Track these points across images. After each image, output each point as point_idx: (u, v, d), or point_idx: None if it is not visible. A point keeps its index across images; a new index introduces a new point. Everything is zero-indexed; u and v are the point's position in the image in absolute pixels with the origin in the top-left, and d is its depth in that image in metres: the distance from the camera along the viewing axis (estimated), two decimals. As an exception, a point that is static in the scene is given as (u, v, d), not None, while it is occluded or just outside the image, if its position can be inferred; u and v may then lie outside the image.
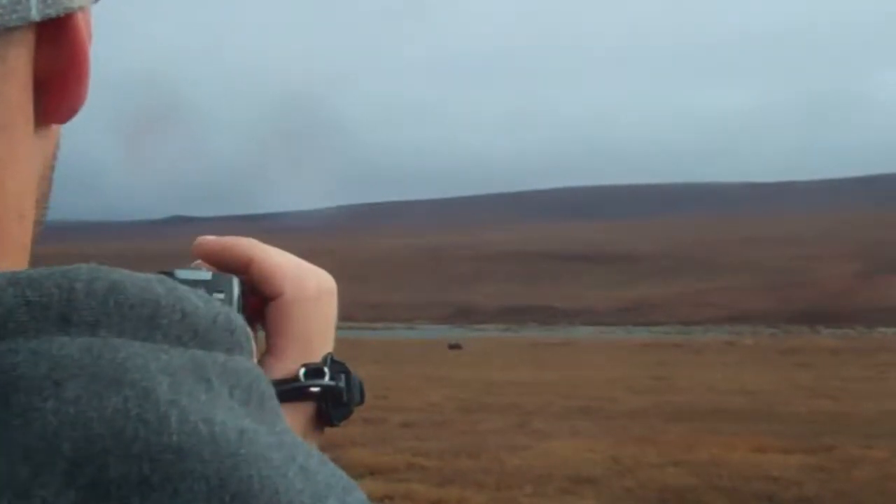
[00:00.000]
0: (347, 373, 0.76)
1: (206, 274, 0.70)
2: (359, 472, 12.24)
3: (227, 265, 0.74)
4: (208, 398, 0.47)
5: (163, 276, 0.52)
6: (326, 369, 0.74)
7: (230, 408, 0.48)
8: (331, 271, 0.78)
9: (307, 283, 0.74)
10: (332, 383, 0.74)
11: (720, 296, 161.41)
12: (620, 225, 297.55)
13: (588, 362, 38.86)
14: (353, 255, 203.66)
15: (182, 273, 0.69)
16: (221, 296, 0.69)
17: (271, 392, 0.52)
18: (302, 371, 0.73)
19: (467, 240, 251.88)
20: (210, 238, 0.75)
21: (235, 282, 0.72)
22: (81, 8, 0.54)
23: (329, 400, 0.74)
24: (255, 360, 0.54)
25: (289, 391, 0.72)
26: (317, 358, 0.74)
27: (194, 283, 0.67)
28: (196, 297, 0.51)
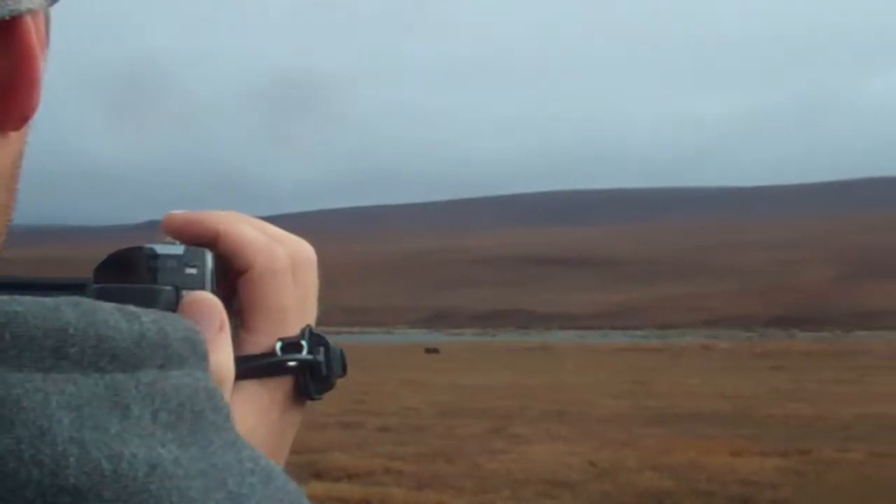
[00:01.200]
0: (327, 345, 0.74)
1: (178, 248, 0.68)
2: (336, 476, 12.22)
3: (194, 240, 0.71)
4: (122, 428, 0.45)
5: (79, 299, 0.48)
6: (304, 342, 0.73)
7: (151, 434, 0.46)
8: None
9: (278, 254, 0.72)
10: (310, 357, 0.72)
11: (698, 300, 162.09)
12: (602, 229, 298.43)
13: (566, 367, 38.91)
14: (333, 259, 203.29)
15: (155, 247, 0.67)
16: (194, 270, 0.67)
17: (213, 405, 0.50)
18: (278, 345, 0.71)
19: (449, 244, 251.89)
20: (178, 212, 0.73)
21: (209, 255, 0.69)
22: (30, 10, 0.52)
23: (308, 373, 0.72)
24: (208, 365, 0.52)
25: (265, 366, 0.71)
26: (294, 331, 0.72)
27: (167, 258, 0.66)
28: (120, 317, 0.49)
